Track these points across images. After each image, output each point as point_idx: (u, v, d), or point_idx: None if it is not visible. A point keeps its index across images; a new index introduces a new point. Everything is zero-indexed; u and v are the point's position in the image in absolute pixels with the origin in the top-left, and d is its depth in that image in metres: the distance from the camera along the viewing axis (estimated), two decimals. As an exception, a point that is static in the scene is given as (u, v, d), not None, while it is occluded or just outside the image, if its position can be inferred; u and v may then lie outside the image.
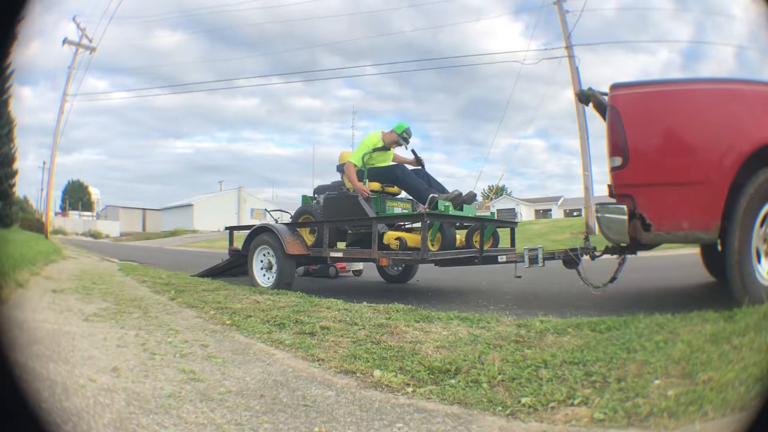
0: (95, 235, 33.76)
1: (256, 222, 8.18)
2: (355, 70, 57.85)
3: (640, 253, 3.42)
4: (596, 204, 3.05)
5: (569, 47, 13.34)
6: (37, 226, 17.95)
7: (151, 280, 5.00)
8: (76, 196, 45.72)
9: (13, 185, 14.32)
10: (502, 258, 4.01)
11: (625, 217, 2.72)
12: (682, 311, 2.25)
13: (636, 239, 2.76)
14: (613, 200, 2.88)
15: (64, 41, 18.35)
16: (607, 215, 2.81)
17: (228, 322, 2.83)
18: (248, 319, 2.90)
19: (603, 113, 3.12)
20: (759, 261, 2.61)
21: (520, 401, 1.50)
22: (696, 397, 1.34)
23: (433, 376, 1.79)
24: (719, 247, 2.80)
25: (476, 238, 4.39)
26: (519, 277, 3.93)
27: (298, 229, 4.84)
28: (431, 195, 4.18)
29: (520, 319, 2.60)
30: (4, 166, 13.21)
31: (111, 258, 9.90)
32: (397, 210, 4.65)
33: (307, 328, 2.60)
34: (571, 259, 3.52)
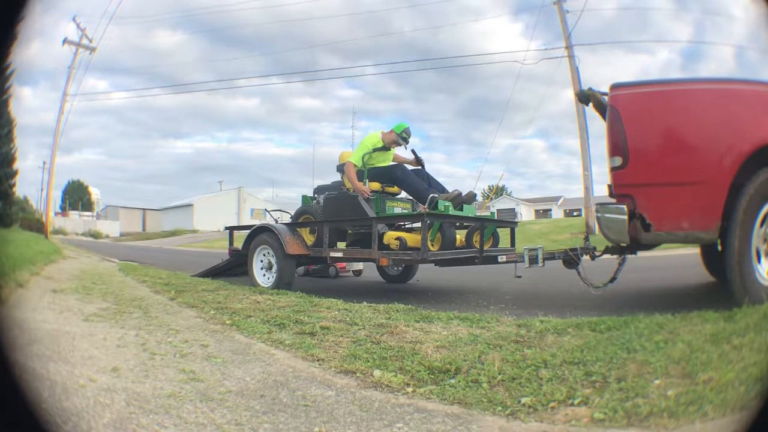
0: (95, 235, 33.74)
1: (256, 222, 8.18)
2: (355, 70, 58.02)
3: (640, 253, 3.42)
4: (596, 204, 3.05)
5: (569, 47, 13.34)
6: (37, 226, 17.93)
7: (151, 280, 5.00)
8: (76, 196, 45.69)
9: (13, 185, 14.33)
10: (502, 258, 4.01)
11: (625, 217, 2.71)
12: (682, 311, 2.25)
13: (636, 239, 2.76)
14: (613, 200, 2.88)
15: (64, 41, 18.34)
16: (607, 215, 2.81)
17: (228, 322, 2.83)
18: (248, 319, 2.90)
19: (603, 113, 3.12)
20: (759, 261, 2.61)
21: (520, 401, 1.50)
22: (696, 397, 1.34)
23: (433, 376, 1.79)
24: (719, 247, 2.80)
25: (476, 238, 4.39)
26: (519, 277, 3.93)
27: (298, 229, 4.84)
28: (431, 195, 4.18)
29: (520, 319, 2.60)
30: (4, 166, 13.22)
31: (111, 258, 9.90)
32: (397, 210, 4.65)
33: (307, 328, 2.60)
34: (571, 259, 3.52)
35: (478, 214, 4.85)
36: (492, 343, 2.14)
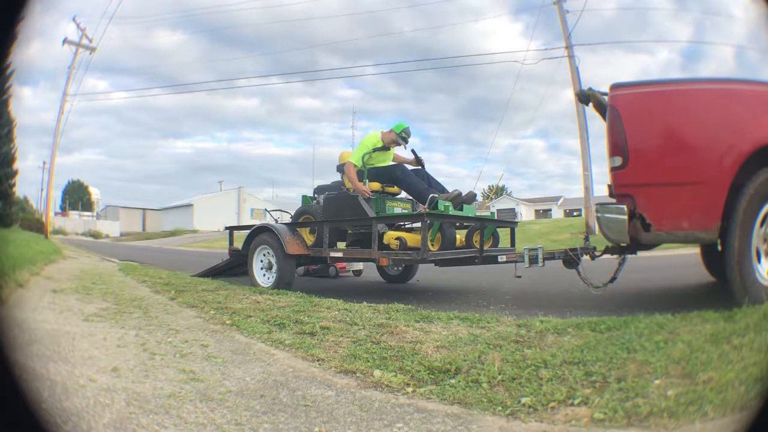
0: (95, 235, 33.74)
1: (256, 222, 8.18)
2: (355, 70, 57.93)
3: (640, 253, 3.42)
4: (596, 204, 3.05)
5: (569, 47, 13.34)
6: (37, 226, 17.93)
7: (151, 280, 5.00)
8: (76, 196, 45.68)
9: (13, 185, 14.33)
10: (502, 258, 4.01)
11: (625, 217, 2.71)
12: (682, 311, 2.25)
13: (636, 239, 2.76)
14: (613, 200, 2.88)
15: (64, 41, 18.35)
16: (607, 215, 2.81)
17: (228, 322, 2.83)
18: (248, 319, 2.90)
19: (603, 113, 3.12)
20: (759, 261, 2.61)
21: (520, 401, 1.50)
22: (696, 397, 1.34)
23: (433, 376, 1.80)
24: (719, 247, 2.80)
25: (476, 238, 4.39)
26: (519, 277, 3.93)
27: (298, 229, 4.84)
28: (431, 195, 4.18)
29: (520, 319, 2.60)
30: (4, 166, 13.22)
31: (111, 258, 9.90)
32: (397, 210, 4.65)
33: (307, 328, 2.60)
34: (571, 259, 3.52)
35: (478, 214, 4.85)
36: (492, 343, 2.14)
